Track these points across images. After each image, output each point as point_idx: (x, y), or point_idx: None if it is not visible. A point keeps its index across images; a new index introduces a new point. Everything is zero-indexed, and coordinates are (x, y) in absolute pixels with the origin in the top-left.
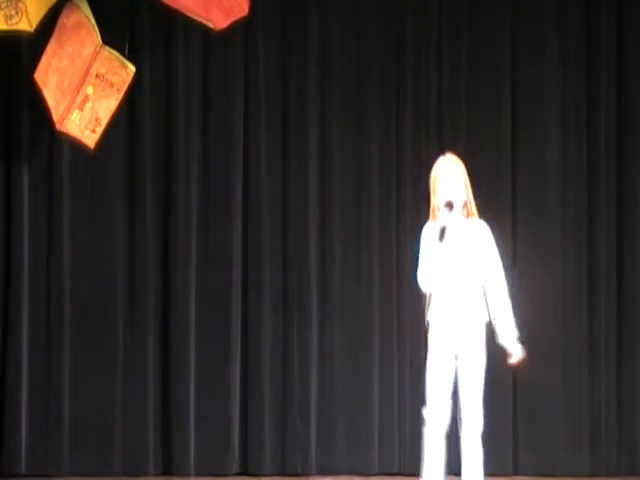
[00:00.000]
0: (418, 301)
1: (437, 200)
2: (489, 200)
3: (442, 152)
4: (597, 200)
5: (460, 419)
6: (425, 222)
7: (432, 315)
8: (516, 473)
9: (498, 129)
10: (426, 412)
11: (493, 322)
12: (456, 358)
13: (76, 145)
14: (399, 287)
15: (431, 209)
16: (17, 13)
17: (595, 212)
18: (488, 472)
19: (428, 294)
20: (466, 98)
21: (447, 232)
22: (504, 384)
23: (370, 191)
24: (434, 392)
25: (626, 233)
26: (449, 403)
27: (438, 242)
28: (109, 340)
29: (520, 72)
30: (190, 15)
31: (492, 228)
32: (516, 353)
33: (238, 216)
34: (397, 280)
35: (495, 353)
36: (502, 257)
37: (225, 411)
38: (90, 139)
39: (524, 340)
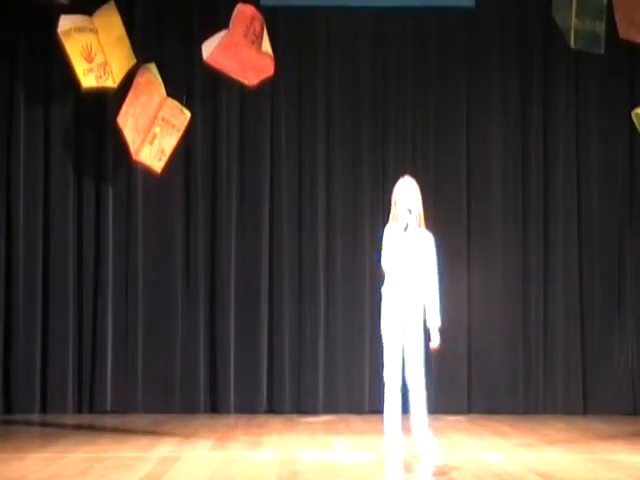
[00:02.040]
0: None
1: (397, 208)
2: (448, 211)
3: (416, 177)
4: (529, 215)
5: (408, 373)
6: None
7: (385, 290)
8: (470, 411)
9: (457, 163)
10: (385, 375)
11: (425, 310)
12: (403, 327)
13: (147, 170)
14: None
15: (392, 215)
16: (105, 74)
17: (527, 223)
18: (448, 411)
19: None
20: (433, 143)
21: (409, 227)
22: (460, 345)
23: (363, 202)
24: (389, 358)
25: (551, 237)
26: (400, 365)
27: (402, 233)
28: (170, 311)
29: (471, 121)
30: (230, 74)
31: (450, 231)
32: (435, 339)
33: (265, 225)
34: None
35: (451, 322)
36: (456, 259)
37: (256, 364)
38: (157, 166)
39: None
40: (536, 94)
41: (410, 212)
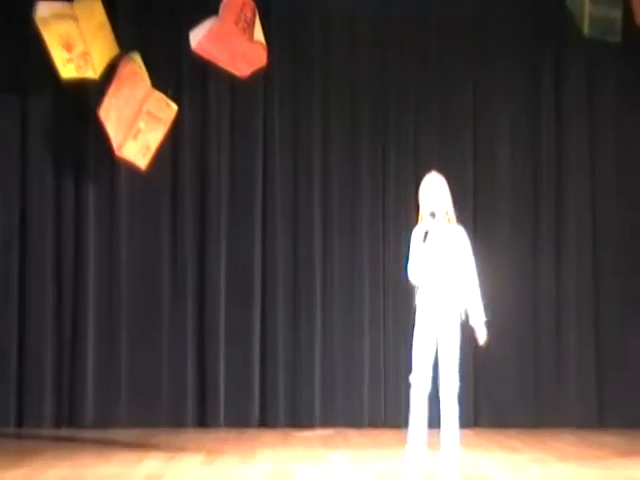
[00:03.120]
0: (400, 287)
1: (422, 209)
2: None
3: (418, 174)
4: (540, 212)
5: (441, 383)
6: (406, 224)
7: (419, 301)
8: (476, 424)
9: (461, 158)
10: (412, 378)
11: (466, 309)
12: (437, 337)
13: (131, 167)
14: (384, 283)
15: (419, 216)
16: (86, 64)
17: (538, 221)
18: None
19: (416, 285)
20: (436, 139)
21: (430, 235)
22: (466, 354)
23: (362, 199)
24: (418, 362)
25: (563, 234)
26: (430, 371)
27: (422, 243)
28: (156, 319)
29: (478, 114)
30: (220, 65)
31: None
32: (482, 335)
33: (258, 222)
34: (382, 277)
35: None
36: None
37: (248, 375)
38: (142, 162)
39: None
40: (547, 85)
41: (433, 216)
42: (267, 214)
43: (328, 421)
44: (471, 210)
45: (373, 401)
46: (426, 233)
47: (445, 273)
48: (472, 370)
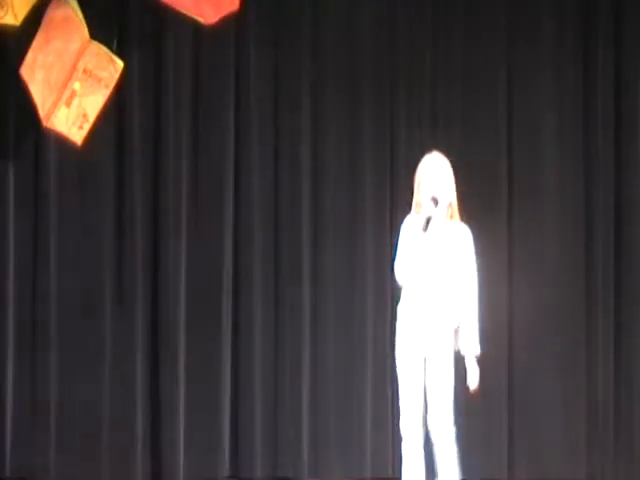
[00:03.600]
0: None
1: (420, 195)
2: (485, 203)
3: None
4: (594, 197)
5: (430, 422)
6: None
7: (401, 308)
8: (511, 477)
9: (494, 132)
10: (402, 426)
11: (457, 330)
12: (424, 361)
13: (63, 142)
14: (392, 291)
15: (414, 204)
16: (2, 7)
17: (593, 211)
18: (483, 477)
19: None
20: (461, 101)
21: (431, 224)
22: (499, 386)
23: (364, 193)
24: (407, 402)
25: (625, 231)
26: (422, 412)
27: (422, 232)
28: (96, 342)
29: (515, 74)
30: (180, 10)
31: (487, 231)
32: (473, 372)
33: (229, 213)
34: (390, 282)
35: (487, 356)
36: (497, 259)
37: (215, 414)
38: (77, 136)
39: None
40: (603, 45)
41: (436, 203)
42: (240, 204)
43: (319, 473)
44: (505, 214)
45: (378, 449)
46: (428, 220)
47: (440, 279)
48: (506, 406)
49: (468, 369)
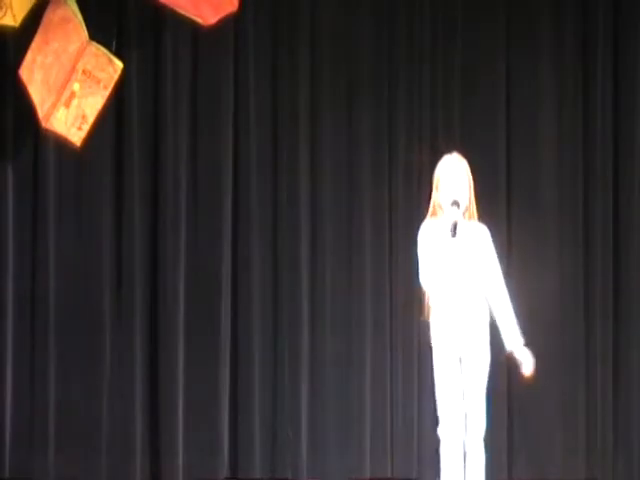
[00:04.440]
0: (411, 305)
1: (440, 197)
2: (483, 200)
3: (436, 156)
4: (593, 198)
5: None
6: (419, 218)
7: (435, 317)
8: (511, 478)
9: (493, 133)
10: (441, 429)
11: (498, 328)
12: (460, 361)
13: (62, 143)
14: (391, 292)
15: (431, 206)
16: (1, 7)
17: (591, 210)
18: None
19: (425, 296)
20: (460, 102)
21: (459, 228)
22: (499, 387)
23: (362, 197)
24: (446, 405)
25: (623, 233)
26: (462, 413)
27: (450, 237)
28: (95, 343)
29: (515, 74)
30: (179, 10)
31: (486, 227)
32: (527, 361)
33: (227, 214)
34: (389, 284)
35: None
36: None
37: (214, 414)
38: (76, 137)
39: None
40: (603, 44)
41: (458, 206)
42: (239, 206)
43: (318, 473)
44: (505, 215)
45: (377, 449)
46: (454, 225)
47: (470, 281)
48: (506, 408)
49: (520, 359)
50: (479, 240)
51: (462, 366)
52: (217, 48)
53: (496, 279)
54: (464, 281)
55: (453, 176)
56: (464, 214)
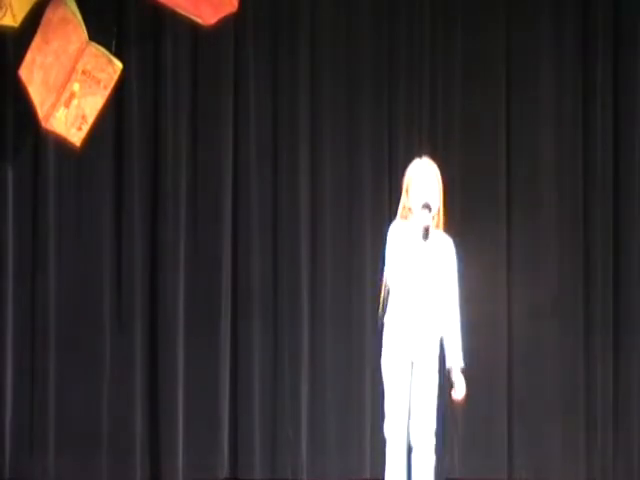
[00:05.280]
0: None
1: (410, 200)
2: (484, 204)
3: (436, 151)
4: (593, 198)
5: (412, 428)
6: None
7: (389, 317)
8: (511, 478)
9: (493, 134)
10: (386, 429)
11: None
12: (412, 365)
13: (62, 143)
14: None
15: (400, 208)
16: (1, 8)
17: (591, 211)
18: (483, 477)
19: (383, 295)
20: (460, 102)
21: (430, 232)
22: (499, 387)
23: (362, 195)
24: (393, 404)
25: (623, 235)
26: (407, 415)
27: (421, 241)
28: (95, 344)
29: (515, 75)
30: (178, 11)
31: (487, 233)
32: (459, 385)
33: (228, 218)
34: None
35: (486, 358)
36: (495, 261)
37: (214, 414)
38: (76, 137)
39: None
40: (602, 44)
41: (429, 209)
42: (239, 206)
43: (318, 473)
44: (504, 215)
45: (376, 450)
46: (426, 229)
47: (432, 286)
48: (506, 409)
49: (455, 381)
50: (444, 250)
51: (412, 369)
52: (217, 48)
53: (451, 294)
54: (426, 285)
55: (424, 180)
56: (433, 219)
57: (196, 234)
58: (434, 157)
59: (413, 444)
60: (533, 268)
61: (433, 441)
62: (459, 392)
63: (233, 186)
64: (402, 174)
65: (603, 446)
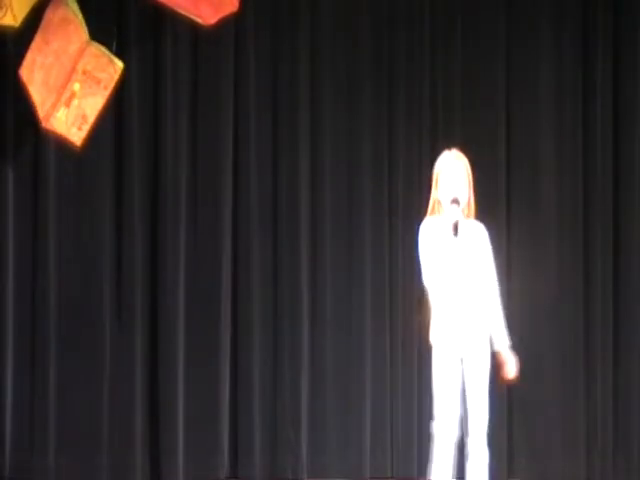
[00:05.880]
0: (410, 305)
1: (439, 194)
2: (483, 200)
3: (436, 151)
4: (593, 200)
5: (466, 424)
6: (419, 216)
7: (435, 316)
8: (511, 478)
9: (493, 133)
10: (435, 426)
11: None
12: (461, 362)
13: (62, 143)
14: (391, 290)
15: (431, 203)
16: (1, 7)
17: (591, 212)
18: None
19: (426, 295)
20: (460, 102)
21: (460, 227)
22: (499, 388)
23: (362, 193)
24: (443, 403)
25: (623, 234)
26: (458, 413)
27: (452, 237)
28: (95, 342)
29: (515, 75)
30: (179, 10)
31: (487, 227)
32: (511, 364)
33: (228, 218)
34: (389, 283)
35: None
36: (495, 260)
37: (214, 414)
38: (76, 137)
39: (517, 348)
40: (602, 44)
41: (458, 204)
42: (239, 205)
43: (319, 473)
44: (504, 215)
45: (376, 450)
46: (456, 225)
47: (470, 281)
48: (506, 408)
49: (506, 361)
50: (478, 238)
51: (463, 366)
52: (217, 48)
53: (490, 279)
54: (465, 280)
55: (452, 173)
56: (463, 211)
57: (196, 234)
58: (434, 157)
59: (469, 441)
60: (533, 268)
61: (486, 436)
62: (511, 369)
63: (233, 186)
64: (402, 173)
65: (603, 446)
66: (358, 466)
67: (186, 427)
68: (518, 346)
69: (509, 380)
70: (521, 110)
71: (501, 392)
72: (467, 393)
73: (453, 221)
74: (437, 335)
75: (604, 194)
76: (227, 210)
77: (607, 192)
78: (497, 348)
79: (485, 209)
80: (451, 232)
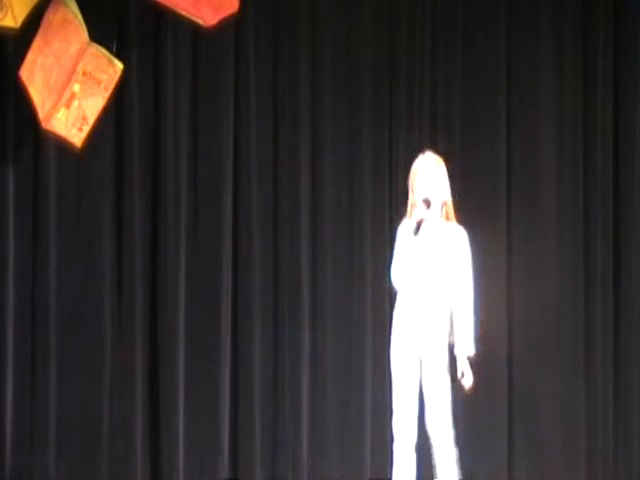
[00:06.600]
0: None
1: (414, 197)
2: (483, 200)
3: (436, 152)
4: (594, 200)
5: (429, 425)
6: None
7: (396, 314)
8: (510, 478)
9: (493, 134)
10: (394, 427)
11: (453, 334)
12: (421, 362)
13: (62, 144)
14: (391, 292)
15: (408, 206)
16: (2, 9)
17: (591, 213)
18: (481, 477)
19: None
20: (460, 102)
21: (423, 227)
22: (499, 389)
23: (362, 193)
24: (401, 403)
25: (623, 234)
26: (416, 414)
27: (412, 236)
28: (95, 342)
29: (515, 75)
30: (179, 11)
31: (487, 227)
32: (467, 374)
33: (228, 218)
34: (389, 285)
35: (485, 353)
36: (496, 261)
37: (214, 415)
38: (77, 138)
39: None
40: (602, 44)
41: (428, 204)
42: (239, 206)
43: (319, 474)
44: (504, 215)
45: (376, 451)
46: (418, 224)
47: (435, 281)
48: (506, 407)
49: (463, 369)
50: (452, 241)
51: (422, 367)
52: (217, 48)
53: (464, 284)
54: (427, 281)
55: (426, 175)
56: (441, 214)
57: (196, 234)
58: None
59: (433, 441)
60: (533, 268)
61: (452, 434)
62: (467, 380)
63: (233, 186)
64: (402, 174)
65: (603, 446)
66: (358, 466)
67: (186, 427)
68: (518, 347)
69: (468, 390)
70: (521, 110)
71: (501, 393)
72: (425, 394)
73: (417, 220)
74: (396, 334)
75: (604, 194)
76: (227, 210)
77: (607, 192)
78: (457, 354)
79: (485, 209)
80: (413, 231)
